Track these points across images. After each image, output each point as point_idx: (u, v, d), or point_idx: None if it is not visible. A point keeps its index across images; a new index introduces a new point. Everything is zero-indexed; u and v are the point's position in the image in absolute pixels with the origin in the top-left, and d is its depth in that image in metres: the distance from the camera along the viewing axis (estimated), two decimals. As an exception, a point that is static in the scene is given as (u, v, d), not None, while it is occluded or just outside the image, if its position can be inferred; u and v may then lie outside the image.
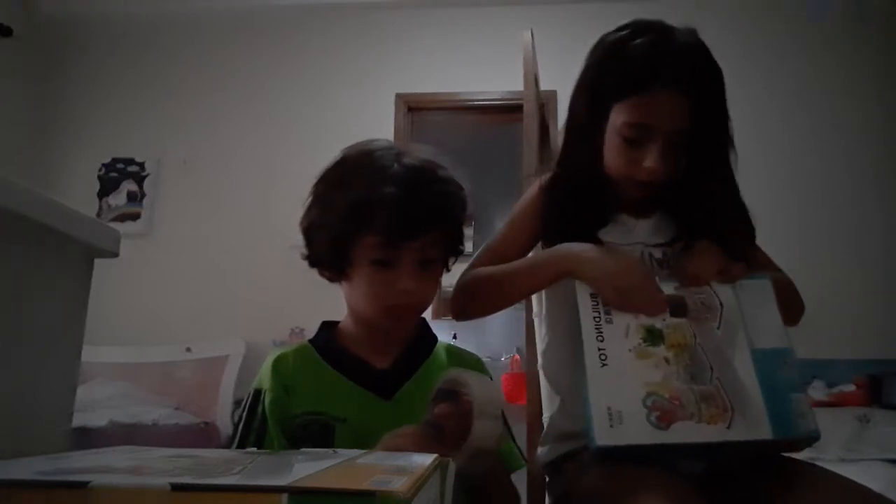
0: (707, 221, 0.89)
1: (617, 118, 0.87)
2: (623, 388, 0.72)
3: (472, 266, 0.95)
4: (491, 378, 0.83)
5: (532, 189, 1.00)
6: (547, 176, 0.98)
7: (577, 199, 0.93)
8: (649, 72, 0.83)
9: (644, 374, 0.73)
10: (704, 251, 0.84)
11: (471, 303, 0.93)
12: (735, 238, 0.88)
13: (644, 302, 0.79)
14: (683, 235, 0.91)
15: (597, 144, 0.91)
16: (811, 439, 0.71)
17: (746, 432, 0.70)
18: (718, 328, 0.77)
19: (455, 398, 0.67)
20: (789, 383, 0.73)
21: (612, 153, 0.89)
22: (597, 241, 0.89)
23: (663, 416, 0.70)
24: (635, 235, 0.93)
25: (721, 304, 0.79)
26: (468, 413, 0.64)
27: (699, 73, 0.84)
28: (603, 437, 0.69)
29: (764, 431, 0.70)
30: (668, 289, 0.81)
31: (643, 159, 0.85)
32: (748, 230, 0.93)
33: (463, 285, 0.93)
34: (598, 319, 0.78)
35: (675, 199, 0.93)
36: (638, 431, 0.69)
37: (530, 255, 0.98)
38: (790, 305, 0.87)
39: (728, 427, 0.70)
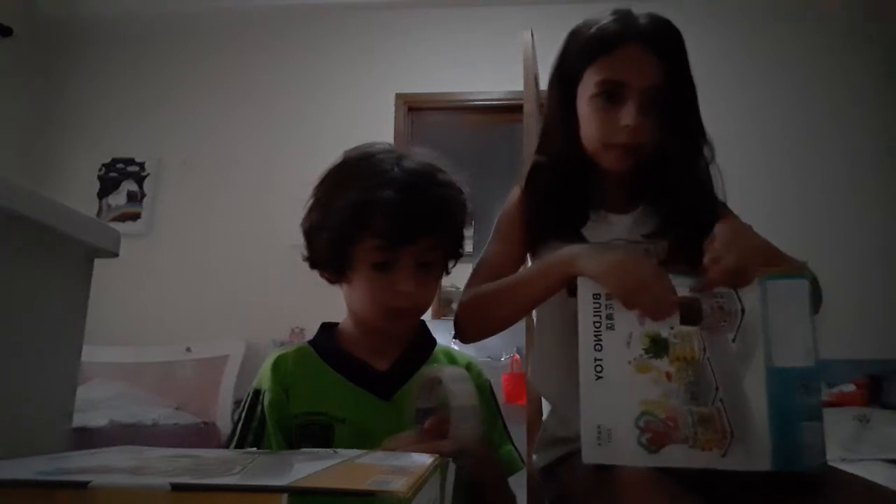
0: (689, 213, 0.88)
1: (589, 82, 0.88)
2: (616, 404, 0.69)
3: (469, 286, 0.92)
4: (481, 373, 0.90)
5: (513, 193, 0.99)
6: (525, 173, 0.98)
7: (557, 188, 0.92)
8: (614, 32, 0.86)
9: (641, 390, 0.69)
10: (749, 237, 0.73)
11: (475, 324, 0.89)
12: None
13: (653, 300, 0.70)
14: (667, 229, 0.89)
15: (573, 127, 0.91)
16: (815, 471, 0.66)
17: (742, 462, 0.66)
18: (734, 340, 0.69)
19: (436, 409, 0.68)
20: (803, 409, 0.66)
21: (588, 122, 0.89)
22: (580, 238, 0.89)
23: (655, 438, 0.67)
24: (616, 231, 0.92)
25: (742, 310, 0.70)
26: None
27: (663, 32, 0.86)
28: (590, 455, 0.68)
29: (762, 462, 0.66)
30: (683, 290, 0.72)
31: (620, 120, 0.85)
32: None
33: (463, 307, 0.89)
34: (598, 325, 0.71)
35: (656, 187, 0.91)
36: (626, 452, 0.67)
37: (527, 265, 0.95)
38: None
39: (724, 455, 0.66)
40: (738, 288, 0.70)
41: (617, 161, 0.88)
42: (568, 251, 0.79)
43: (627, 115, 0.84)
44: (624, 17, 0.87)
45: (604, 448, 0.68)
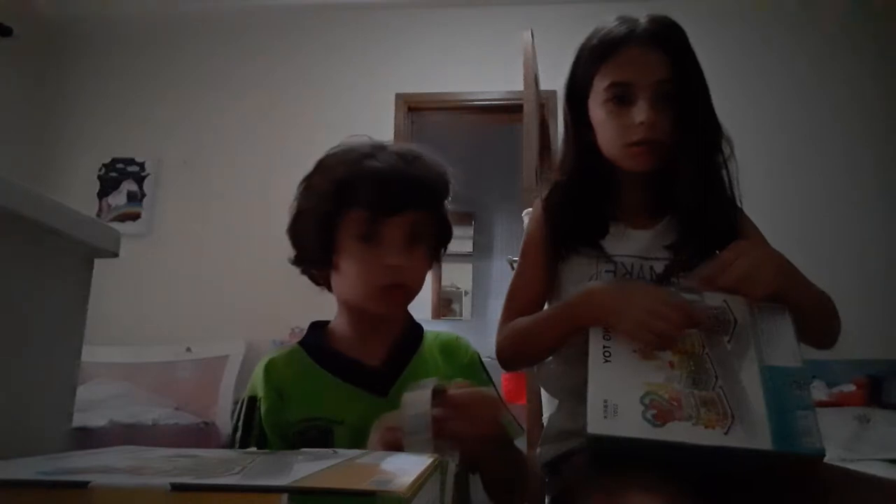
0: (708, 219, 0.88)
1: (599, 89, 0.89)
2: (622, 384, 0.72)
3: (503, 314, 0.95)
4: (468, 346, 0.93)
5: (535, 209, 1.00)
6: (546, 190, 0.99)
7: (575, 200, 0.93)
8: (616, 36, 0.87)
9: (646, 374, 0.73)
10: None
11: (514, 359, 0.94)
12: (727, 232, 0.88)
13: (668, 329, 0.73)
14: (684, 243, 0.90)
15: (588, 139, 0.93)
16: (814, 456, 0.67)
17: (744, 440, 0.67)
18: (729, 342, 0.75)
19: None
20: (798, 401, 0.70)
21: (603, 128, 0.90)
22: (599, 250, 0.90)
23: (660, 414, 0.69)
24: (633, 247, 0.92)
25: (735, 321, 0.76)
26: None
27: (664, 28, 0.88)
28: (595, 426, 0.69)
29: (763, 442, 0.67)
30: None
31: (635, 119, 0.85)
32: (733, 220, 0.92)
33: (501, 345, 0.93)
34: None
35: (676, 194, 0.91)
36: (631, 425, 0.68)
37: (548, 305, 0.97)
38: (820, 319, 0.83)
39: (726, 433, 0.68)
40: (748, 295, 0.76)
41: (638, 160, 0.89)
42: (598, 300, 0.79)
43: (640, 112, 0.85)
44: (625, 22, 0.89)
45: (609, 420, 0.69)
